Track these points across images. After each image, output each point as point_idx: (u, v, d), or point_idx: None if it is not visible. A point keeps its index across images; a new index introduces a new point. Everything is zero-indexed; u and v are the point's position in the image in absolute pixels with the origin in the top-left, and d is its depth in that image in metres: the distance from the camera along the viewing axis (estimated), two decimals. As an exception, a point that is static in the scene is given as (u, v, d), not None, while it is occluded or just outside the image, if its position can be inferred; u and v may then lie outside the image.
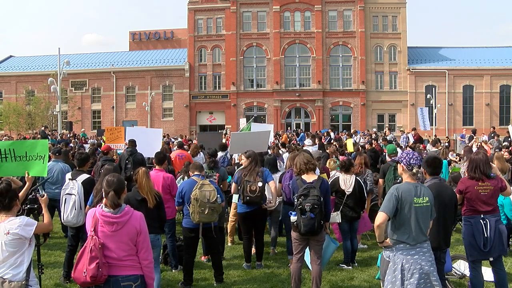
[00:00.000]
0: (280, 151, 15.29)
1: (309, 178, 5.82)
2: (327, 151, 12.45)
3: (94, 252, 3.61)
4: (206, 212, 6.07)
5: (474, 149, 15.11)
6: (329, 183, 7.60)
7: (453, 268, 6.16)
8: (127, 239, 3.67)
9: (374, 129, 30.33)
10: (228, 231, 8.71)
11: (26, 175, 5.48)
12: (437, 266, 5.13)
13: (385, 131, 27.57)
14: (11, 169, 5.70)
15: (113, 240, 3.67)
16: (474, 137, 19.45)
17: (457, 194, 5.54)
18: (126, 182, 10.40)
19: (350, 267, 7.23)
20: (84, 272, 3.60)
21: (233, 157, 12.24)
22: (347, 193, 7.31)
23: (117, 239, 3.66)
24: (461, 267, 6.20)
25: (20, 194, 5.48)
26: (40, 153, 5.73)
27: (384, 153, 14.44)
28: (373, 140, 17.12)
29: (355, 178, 7.51)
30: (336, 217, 7.27)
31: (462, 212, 5.57)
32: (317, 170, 6.87)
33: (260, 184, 6.86)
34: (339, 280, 6.68)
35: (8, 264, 3.90)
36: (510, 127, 18.97)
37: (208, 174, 7.46)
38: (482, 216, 5.37)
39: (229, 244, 8.59)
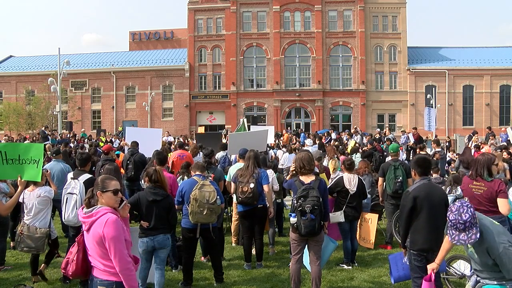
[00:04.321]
0: (281, 151, 15.31)
1: (306, 179, 5.81)
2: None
3: (73, 247, 3.75)
4: (204, 213, 6.06)
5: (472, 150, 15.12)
6: (333, 182, 7.61)
7: (453, 268, 6.16)
8: (94, 242, 3.56)
9: (377, 129, 30.33)
10: (232, 231, 8.69)
11: (19, 179, 5.29)
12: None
13: (385, 131, 27.59)
14: (3, 172, 5.47)
15: (87, 240, 3.65)
16: (474, 137, 19.48)
17: None
18: (128, 182, 10.47)
19: (350, 267, 7.24)
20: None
21: (231, 157, 12.24)
22: (351, 192, 7.33)
23: (88, 239, 3.63)
24: (461, 267, 6.19)
25: (13, 198, 5.45)
26: (34, 157, 5.50)
27: (386, 154, 14.46)
28: (374, 141, 17.12)
29: (358, 178, 7.52)
30: (339, 216, 7.28)
31: None
32: (316, 170, 6.86)
33: (252, 185, 6.85)
34: (339, 280, 6.69)
35: (39, 217, 6.18)
36: (509, 129, 18.96)
37: (203, 175, 7.47)
38: None
39: (233, 244, 8.58)
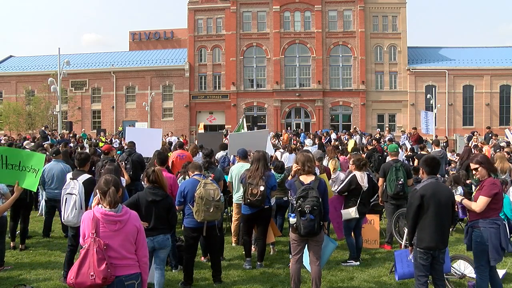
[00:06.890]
0: (279, 152, 15.29)
1: (306, 179, 5.82)
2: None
3: (100, 254, 3.60)
4: (211, 211, 6.09)
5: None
6: (346, 181, 7.64)
7: (453, 268, 6.16)
8: (130, 237, 3.74)
9: (378, 129, 30.36)
10: (232, 231, 8.67)
11: (16, 185, 5.28)
12: (435, 267, 5.13)
13: (385, 131, 27.57)
14: (1, 176, 5.46)
15: (116, 240, 3.67)
16: (474, 137, 19.48)
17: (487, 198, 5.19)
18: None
19: (358, 263, 7.31)
20: (92, 275, 3.57)
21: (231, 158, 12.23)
22: (364, 188, 7.45)
23: (120, 238, 3.68)
24: (461, 267, 6.20)
25: (6, 203, 5.44)
26: (35, 166, 5.49)
27: (386, 153, 14.45)
28: (373, 141, 17.12)
29: (368, 175, 7.64)
30: (353, 213, 7.36)
31: (487, 215, 5.24)
32: (317, 170, 6.87)
33: (262, 188, 6.86)
34: (339, 280, 6.68)
35: None
36: (507, 131, 18.96)
37: (203, 174, 7.48)
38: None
39: (233, 244, 8.57)
